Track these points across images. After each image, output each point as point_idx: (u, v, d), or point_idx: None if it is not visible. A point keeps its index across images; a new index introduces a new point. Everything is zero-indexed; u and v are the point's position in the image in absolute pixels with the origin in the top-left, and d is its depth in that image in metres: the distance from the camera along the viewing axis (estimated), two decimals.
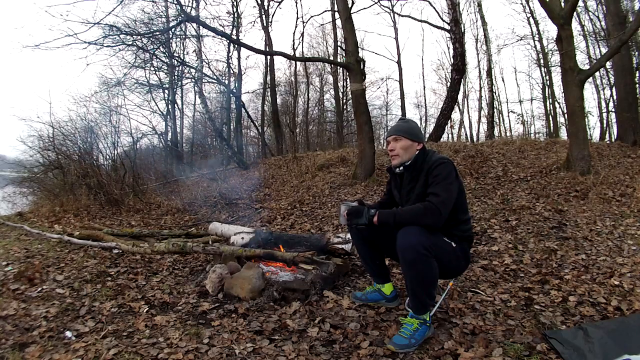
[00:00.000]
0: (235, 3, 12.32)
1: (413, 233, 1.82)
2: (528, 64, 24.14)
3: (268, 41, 13.91)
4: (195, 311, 2.32)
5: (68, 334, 1.97)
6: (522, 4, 15.26)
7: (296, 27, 23.36)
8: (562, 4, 5.82)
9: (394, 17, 18.11)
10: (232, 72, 13.39)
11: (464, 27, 13.08)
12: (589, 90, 14.44)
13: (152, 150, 13.30)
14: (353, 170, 6.88)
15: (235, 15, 12.13)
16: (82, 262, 3.25)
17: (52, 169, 7.95)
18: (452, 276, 2.19)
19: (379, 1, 12.78)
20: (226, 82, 13.03)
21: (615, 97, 9.96)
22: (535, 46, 15.66)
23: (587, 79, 6.03)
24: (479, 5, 15.05)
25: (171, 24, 8.23)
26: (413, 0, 26.59)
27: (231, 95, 12.92)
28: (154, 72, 11.91)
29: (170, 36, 9.46)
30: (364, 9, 17.40)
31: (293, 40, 18.19)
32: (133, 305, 2.37)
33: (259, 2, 13.58)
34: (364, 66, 6.79)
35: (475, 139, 15.32)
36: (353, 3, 10.92)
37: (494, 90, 15.15)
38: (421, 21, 13.33)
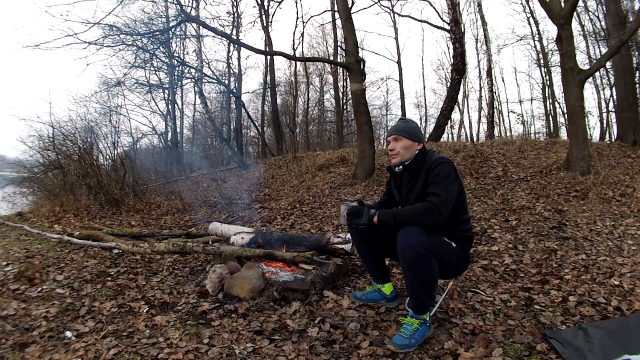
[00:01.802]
0: (235, 3, 12.34)
1: (413, 233, 1.82)
2: (528, 64, 24.14)
3: (268, 41, 13.91)
4: (195, 311, 2.32)
5: (68, 334, 1.97)
6: (522, 4, 15.27)
7: (296, 27, 23.34)
8: (562, 4, 5.82)
9: (394, 17, 18.12)
10: (232, 72, 13.40)
11: (464, 27, 13.04)
12: (589, 90, 14.46)
13: (152, 150, 13.31)
14: (353, 170, 6.88)
15: (235, 15, 12.15)
16: (82, 262, 3.25)
17: (52, 169, 7.95)
18: (452, 276, 2.19)
19: (379, 1, 12.79)
20: (226, 82, 13.04)
21: (615, 97, 9.97)
22: (535, 46, 15.67)
23: (587, 79, 6.04)
24: (479, 5, 15.06)
25: (171, 24, 8.23)
26: (413, 0, 26.59)
27: (231, 95, 12.92)
28: (154, 72, 11.90)
29: (170, 36, 9.45)
30: (364, 9, 17.41)
31: (293, 40, 18.20)
32: (133, 305, 2.37)
33: (259, 2, 13.59)
34: (364, 66, 6.79)
35: (475, 139, 15.32)
36: (353, 3, 10.93)
37: (494, 90, 15.16)
38: (421, 21, 13.34)
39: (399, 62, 18.44)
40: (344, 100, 18.54)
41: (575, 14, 8.71)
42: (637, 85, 8.07)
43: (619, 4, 8.24)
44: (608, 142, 9.42)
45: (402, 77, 18.54)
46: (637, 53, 9.22)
